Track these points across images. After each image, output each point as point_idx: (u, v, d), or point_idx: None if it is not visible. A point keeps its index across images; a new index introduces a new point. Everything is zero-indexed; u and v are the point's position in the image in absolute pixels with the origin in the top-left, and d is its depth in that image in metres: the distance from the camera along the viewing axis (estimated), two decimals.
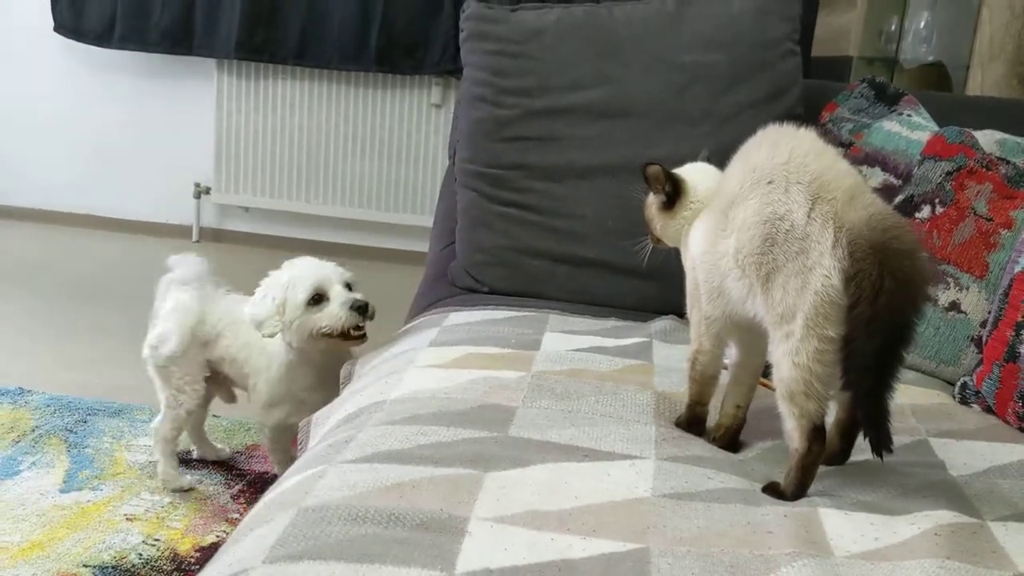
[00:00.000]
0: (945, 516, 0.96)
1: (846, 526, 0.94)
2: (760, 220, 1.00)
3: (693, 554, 0.86)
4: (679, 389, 1.27)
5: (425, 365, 1.32)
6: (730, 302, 1.09)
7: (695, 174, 1.19)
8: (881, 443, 0.98)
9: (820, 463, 1.02)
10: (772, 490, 1.01)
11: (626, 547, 0.87)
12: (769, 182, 1.01)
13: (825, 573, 0.84)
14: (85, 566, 1.65)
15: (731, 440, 1.16)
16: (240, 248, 4.04)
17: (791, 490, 1.01)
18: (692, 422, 1.18)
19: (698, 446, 1.13)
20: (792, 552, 0.87)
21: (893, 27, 2.83)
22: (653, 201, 1.21)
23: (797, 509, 0.97)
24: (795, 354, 0.97)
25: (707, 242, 1.10)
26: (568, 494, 0.96)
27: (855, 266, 0.94)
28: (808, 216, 0.97)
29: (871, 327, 0.93)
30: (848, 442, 1.09)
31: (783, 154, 1.01)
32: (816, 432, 1.00)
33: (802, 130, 1.06)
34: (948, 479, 1.09)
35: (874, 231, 0.95)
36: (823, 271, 0.95)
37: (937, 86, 2.85)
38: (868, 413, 0.98)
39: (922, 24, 2.75)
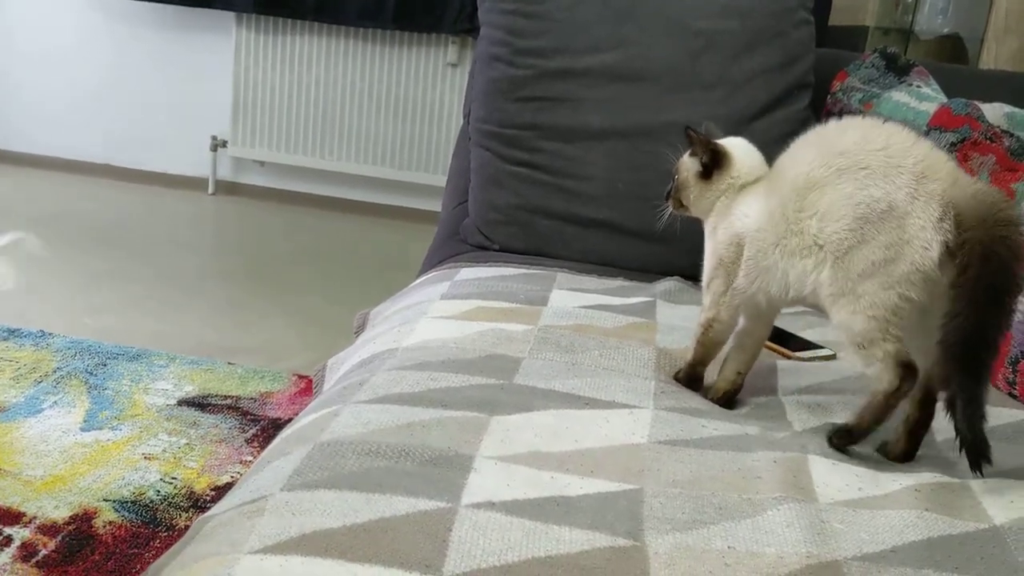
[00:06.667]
0: (927, 476, 1.01)
1: (833, 476, 0.99)
2: (853, 203, 1.03)
3: (684, 495, 0.92)
4: (681, 346, 1.32)
5: (436, 316, 1.37)
6: (773, 281, 1.11)
7: (740, 150, 1.20)
8: (980, 452, 0.97)
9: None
10: (839, 436, 1.04)
11: (621, 487, 0.92)
12: (863, 168, 1.03)
13: (809, 516, 0.89)
14: (105, 500, 1.73)
15: (728, 402, 1.20)
16: (255, 202, 4.09)
17: (867, 424, 1.03)
18: (691, 379, 1.22)
19: (696, 400, 1.18)
20: (779, 496, 0.92)
21: None
22: (690, 166, 1.22)
23: (788, 456, 1.02)
24: (870, 308, 1.01)
25: (769, 220, 1.11)
26: (568, 438, 1.01)
27: (962, 236, 0.97)
28: (912, 196, 1.00)
29: (976, 294, 0.95)
30: (914, 443, 1.07)
31: (878, 142, 1.04)
32: (908, 370, 1.01)
33: (890, 122, 1.08)
34: (934, 440, 1.13)
35: (981, 204, 0.99)
36: (922, 243, 0.99)
37: (953, 58, 2.86)
38: (964, 409, 0.96)
39: None
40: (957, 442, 0.98)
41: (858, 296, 1.02)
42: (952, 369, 0.97)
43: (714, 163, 1.19)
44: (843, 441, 1.04)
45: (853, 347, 1.04)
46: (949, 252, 0.98)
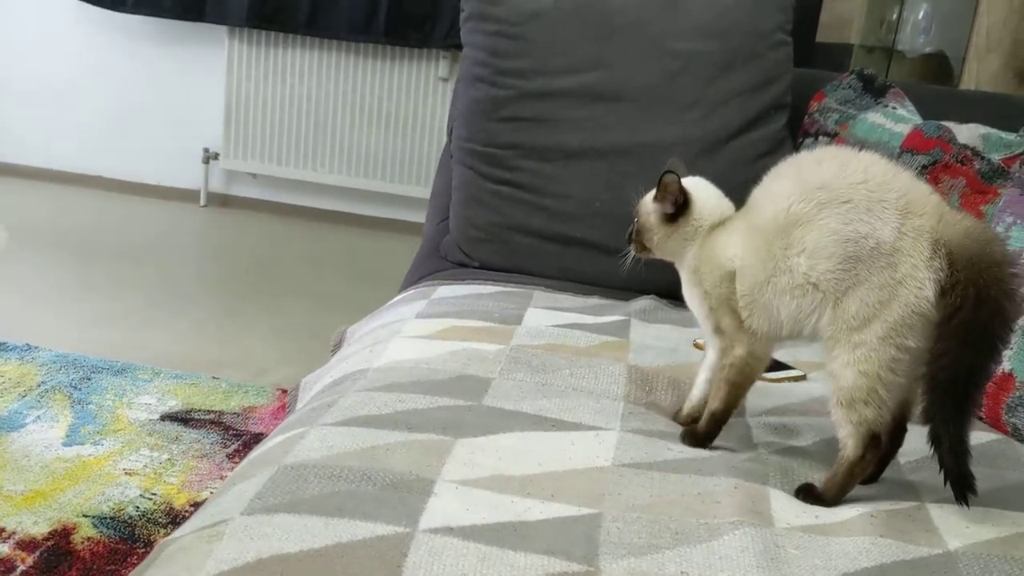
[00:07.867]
0: (884, 503, 1.02)
1: (791, 502, 1.00)
2: (840, 240, 1.00)
3: (643, 520, 0.93)
4: (652, 365, 1.33)
5: (410, 336, 1.39)
6: (768, 318, 1.07)
7: (699, 191, 1.17)
8: (965, 484, 0.97)
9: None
10: (807, 493, 1.02)
11: (581, 511, 0.93)
12: (845, 201, 1.00)
13: (764, 541, 0.90)
14: (84, 516, 1.73)
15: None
16: (247, 214, 4.11)
17: (833, 493, 1.01)
18: (711, 435, 1.12)
19: (662, 422, 1.19)
20: (736, 521, 0.93)
21: (894, 16, 2.85)
22: (653, 210, 1.17)
23: (748, 483, 1.03)
24: (863, 362, 0.99)
25: (756, 258, 1.07)
26: (532, 461, 1.02)
27: (954, 276, 0.95)
28: (898, 232, 0.98)
29: (969, 337, 0.94)
30: (880, 468, 1.08)
31: (856, 174, 1.01)
32: (873, 440, 1.01)
33: (864, 151, 1.06)
34: (896, 461, 1.14)
35: (975, 242, 0.97)
36: (916, 283, 0.97)
37: (938, 76, 2.88)
38: (951, 444, 0.96)
39: (921, 15, 2.78)
40: (942, 475, 0.99)
41: (854, 346, 1.00)
42: (940, 406, 0.96)
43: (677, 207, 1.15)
44: (810, 502, 1.02)
45: (835, 400, 1.02)
46: (941, 291, 0.96)
